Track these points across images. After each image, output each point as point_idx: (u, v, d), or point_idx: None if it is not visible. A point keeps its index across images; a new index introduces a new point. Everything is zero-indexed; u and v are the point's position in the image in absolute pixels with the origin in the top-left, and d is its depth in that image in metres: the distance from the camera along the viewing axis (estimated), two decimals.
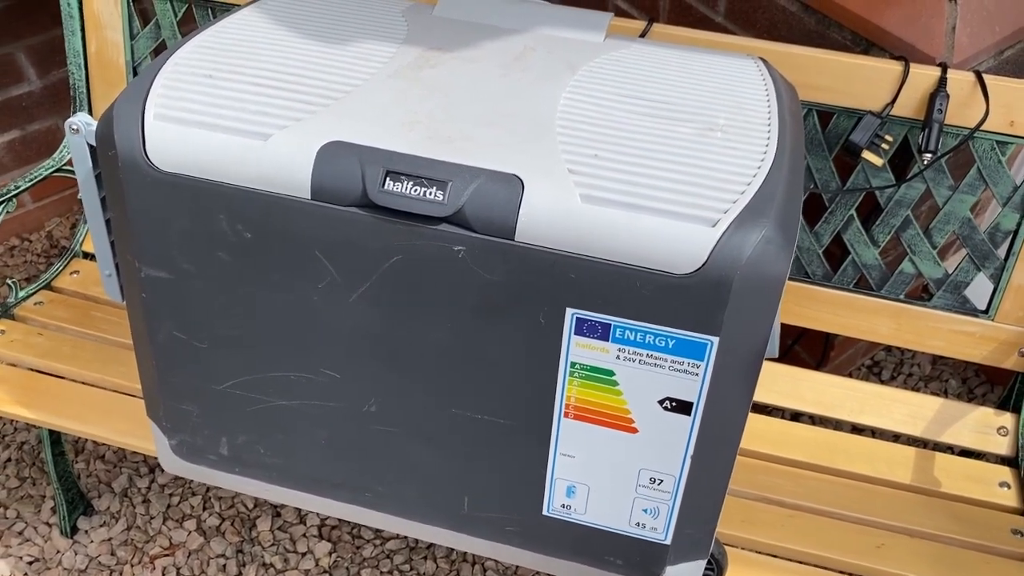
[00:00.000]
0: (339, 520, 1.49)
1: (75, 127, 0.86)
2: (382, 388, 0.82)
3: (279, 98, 0.77)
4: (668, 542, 0.84)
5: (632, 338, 0.73)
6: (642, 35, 1.12)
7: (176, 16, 1.28)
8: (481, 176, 0.71)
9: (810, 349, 1.54)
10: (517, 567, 1.44)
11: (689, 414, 0.75)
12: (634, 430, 0.78)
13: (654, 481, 0.81)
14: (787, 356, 1.56)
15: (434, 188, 0.71)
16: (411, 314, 0.77)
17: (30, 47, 1.71)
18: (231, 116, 0.75)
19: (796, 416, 1.57)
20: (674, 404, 0.75)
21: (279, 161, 0.73)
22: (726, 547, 1.05)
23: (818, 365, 1.53)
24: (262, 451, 0.91)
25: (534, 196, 0.70)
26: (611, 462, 0.81)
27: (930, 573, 1.04)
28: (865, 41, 1.16)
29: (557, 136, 0.75)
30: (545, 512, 0.86)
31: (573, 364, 0.76)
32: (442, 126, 0.75)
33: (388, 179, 0.71)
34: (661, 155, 0.73)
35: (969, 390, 1.70)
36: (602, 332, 0.73)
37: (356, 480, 0.90)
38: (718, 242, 0.67)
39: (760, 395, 1.23)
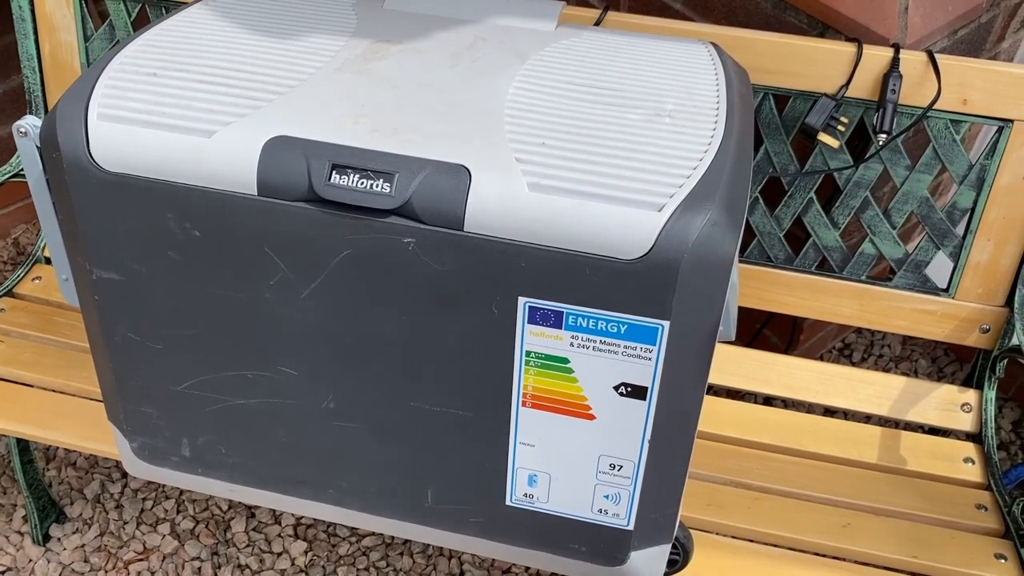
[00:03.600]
0: (314, 519, 1.48)
1: (23, 130, 0.85)
2: (339, 384, 0.82)
3: (224, 94, 0.77)
4: (631, 527, 0.85)
5: (585, 325, 0.73)
6: (597, 23, 1.12)
7: (130, 16, 1.26)
8: (428, 167, 0.71)
9: (779, 333, 1.55)
10: (494, 559, 1.44)
11: (644, 399, 0.76)
12: (591, 417, 0.78)
13: (614, 467, 0.81)
14: (756, 340, 1.57)
15: (380, 180, 0.71)
16: (364, 308, 0.77)
17: None
18: (175, 114, 0.75)
19: (768, 400, 1.58)
20: (629, 389, 0.75)
21: (224, 158, 0.72)
22: (692, 531, 1.06)
23: (787, 348, 1.54)
24: (223, 451, 0.91)
25: (481, 186, 0.70)
26: (570, 449, 0.81)
27: (896, 550, 1.05)
28: (821, 24, 1.17)
29: (505, 126, 0.75)
30: (508, 502, 0.86)
31: (528, 353, 0.76)
32: (389, 118, 0.75)
33: (334, 172, 0.71)
34: (608, 142, 0.74)
35: (939, 369, 1.72)
36: (555, 320, 0.73)
37: (318, 477, 0.90)
38: (664, 226, 0.67)
39: (728, 380, 1.24)
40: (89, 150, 0.74)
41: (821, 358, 1.71)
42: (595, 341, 0.74)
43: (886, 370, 1.71)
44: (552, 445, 0.81)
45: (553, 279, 0.71)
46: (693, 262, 0.67)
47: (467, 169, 0.70)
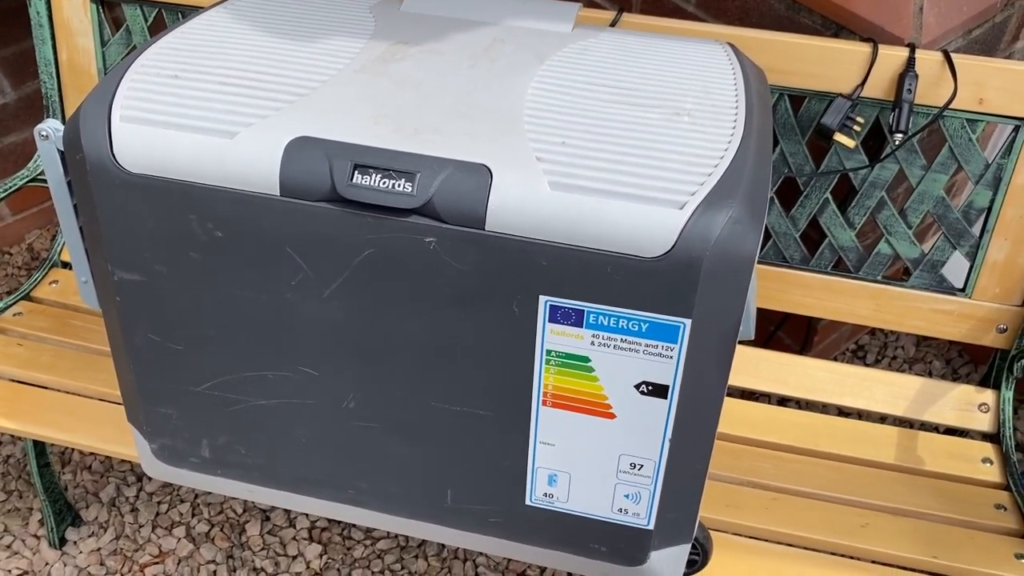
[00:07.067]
0: (329, 522, 1.49)
1: (44, 133, 0.86)
2: (360, 383, 0.82)
3: (246, 96, 0.77)
4: (651, 527, 0.85)
5: (606, 323, 0.73)
6: (612, 25, 1.13)
7: (147, 21, 1.27)
8: (449, 167, 0.71)
9: (793, 334, 1.54)
10: (508, 562, 1.44)
11: (665, 397, 0.76)
12: (612, 416, 0.78)
13: (634, 466, 0.81)
14: (770, 342, 1.57)
15: (402, 180, 0.71)
16: (385, 307, 0.77)
17: (3, 58, 1.70)
18: (198, 115, 0.75)
19: (783, 401, 1.58)
20: (650, 388, 0.76)
21: (247, 159, 0.73)
22: (711, 531, 1.06)
23: (801, 350, 1.54)
24: (243, 452, 0.91)
25: (503, 185, 0.70)
26: (591, 449, 0.81)
27: (915, 550, 1.05)
28: (835, 24, 1.17)
29: (525, 125, 0.75)
30: (528, 502, 0.86)
31: (549, 352, 0.76)
32: (410, 119, 0.75)
33: (356, 173, 0.71)
34: (629, 140, 0.74)
35: (953, 371, 1.71)
36: (576, 319, 0.74)
37: (338, 477, 0.90)
38: (686, 224, 0.67)
39: (744, 380, 1.24)
40: (112, 152, 0.75)
41: (835, 359, 1.71)
42: (616, 339, 0.74)
43: (900, 371, 1.70)
44: (572, 444, 0.81)
45: (574, 278, 0.71)
46: (715, 259, 0.68)
47: (488, 168, 0.71)
